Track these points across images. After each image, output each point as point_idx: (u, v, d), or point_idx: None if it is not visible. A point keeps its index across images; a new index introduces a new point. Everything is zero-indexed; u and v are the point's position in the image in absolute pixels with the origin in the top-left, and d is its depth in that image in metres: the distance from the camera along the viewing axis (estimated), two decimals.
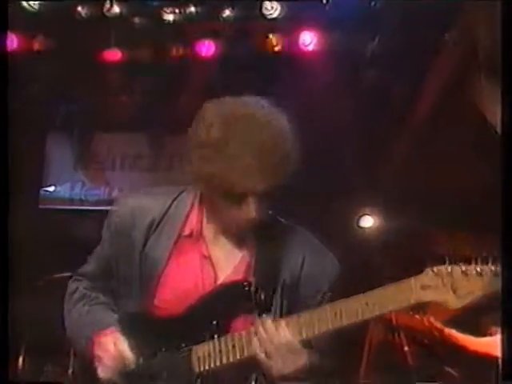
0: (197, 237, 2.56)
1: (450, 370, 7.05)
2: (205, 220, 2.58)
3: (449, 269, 2.24)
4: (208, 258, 2.56)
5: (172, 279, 2.55)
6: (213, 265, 2.55)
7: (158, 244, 2.56)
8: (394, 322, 7.01)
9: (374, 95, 6.85)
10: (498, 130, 5.60)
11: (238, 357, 2.40)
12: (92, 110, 7.98)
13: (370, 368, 7.41)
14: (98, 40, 6.98)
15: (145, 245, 2.56)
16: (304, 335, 2.34)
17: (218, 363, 2.43)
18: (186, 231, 2.56)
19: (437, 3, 5.87)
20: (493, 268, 2.22)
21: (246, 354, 2.40)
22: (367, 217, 8.40)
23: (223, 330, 2.47)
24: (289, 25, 6.60)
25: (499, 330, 6.82)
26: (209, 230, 2.58)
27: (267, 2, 6.34)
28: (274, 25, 6.58)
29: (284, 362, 2.33)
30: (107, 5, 6.49)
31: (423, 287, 2.26)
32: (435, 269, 2.25)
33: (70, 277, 2.84)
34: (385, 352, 7.51)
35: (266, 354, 2.34)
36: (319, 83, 6.76)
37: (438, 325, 6.96)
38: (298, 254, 2.56)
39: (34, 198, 8.12)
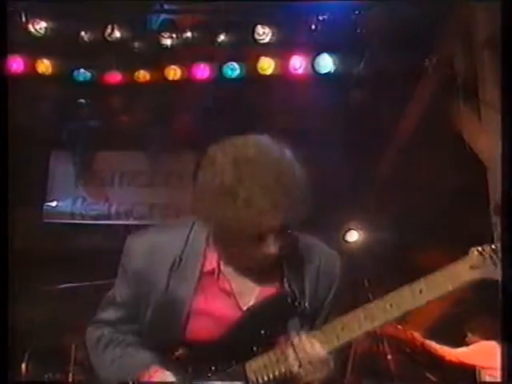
0: (217, 274, 2.51)
1: (430, 376, 7.17)
2: (222, 257, 2.52)
3: (492, 246, 2.29)
4: (231, 293, 2.52)
5: (199, 314, 2.50)
6: (236, 298, 2.52)
7: (181, 283, 2.49)
8: (378, 331, 7.13)
9: (359, 116, 6.95)
10: (474, 148, 5.79)
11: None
12: (93, 129, 8.09)
13: (354, 375, 7.50)
14: (99, 63, 7.00)
15: (168, 285, 2.49)
16: (337, 343, 2.38)
17: (274, 374, 2.43)
18: (207, 268, 2.51)
19: (417, 31, 6.00)
20: None
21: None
22: (353, 231, 8.59)
23: (270, 343, 2.47)
24: (280, 49, 6.65)
25: (476, 339, 7.00)
26: (228, 266, 2.53)
27: (259, 28, 6.39)
28: (265, 49, 6.62)
29: (315, 372, 2.36)
30: (108, 30, 6.51)
31: (472, 267, 2.30)
32: (480, 248, 2.30)
33: (91, 324, 2.74)
34: (369, 360, 7.61)
35: (300, 366, 2.35)
36: (308, 104, 6.87)
37: (419, 337, 7.11)
38: (316, 262, 2.58)
39: (38, 213, 8.20)
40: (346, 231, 8.56)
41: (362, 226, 8.50)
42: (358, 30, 6.28)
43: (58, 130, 8.07)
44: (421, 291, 2.31)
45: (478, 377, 6.86)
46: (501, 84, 2.52)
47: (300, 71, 6.76)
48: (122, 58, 6.95)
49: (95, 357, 2.69)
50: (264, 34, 6.42)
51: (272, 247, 2.35)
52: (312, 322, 2.53)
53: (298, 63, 6.73)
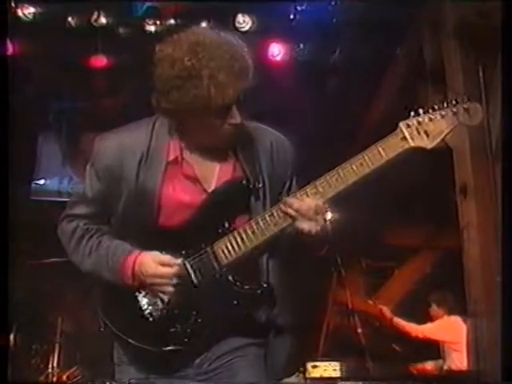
0: (181, 160, 2.61)
1: (396, 347, 7.33)
2: (184, 145, 2.63)
3: (418, 119, 2.51)
4: (195, 177, 2.61)
5: (168, 201, 2.58)
6: (200, 182, 2.61)
7: (149, 174, 2.59)
8: (349, 306, 7.24)
9: (334, 100, 7.02)
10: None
11: (260, 240, 2.51)
12: (79, 110, 8.06)
13: (327, 347, 7.62)
14: (85, 47, 7.01)
15: (137, 177, 2.59)
16: (325, 197, 2.52)
17: (241, 251, 2.51)
18: (171, 157, 2.61)
19: (389, 22, 6.07)
20: (453, 109, 2.50)
21: (267, 234, 2.51)
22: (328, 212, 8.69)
23: (233, 225, 2.55)
24: (259, 37, 6.69)
25: (439, 311, 7.14)
26: (190, 153, 2.64)
27: (240, 17, 6.46)
28: (245, 37, 6.67)
29: (316, 221, 2.49)
30: (95, 15, 6.54)
31: (402, 138, 2.51)
32: (407, 121, 2.52)
33: (62, 220, 2.76)
34: (341, 333, 7.72)
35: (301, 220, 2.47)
36: (285, 89, 6.89)
37: (388, 313, 7.26)
38: (267, 145, 2.70)
39: (26, 190, 8.18)
40: None
41: (336, 207, 8.58)
42: (334, 20, 6.37)
43: (46, 111, 8.06)
44: (361, 164, 2.50)
45: (441, 349, 7.04)
46: (501, 84, 2.57)
47: (278, 58, 6.85)
48: (108, 43, 6.94)
49: (72, 250, 2.70)
50: (244, 22, 6.49)
51: (237, 116, 2.50)
52: (274, 203, 2.59)
53: (276, 50, 6.82)
